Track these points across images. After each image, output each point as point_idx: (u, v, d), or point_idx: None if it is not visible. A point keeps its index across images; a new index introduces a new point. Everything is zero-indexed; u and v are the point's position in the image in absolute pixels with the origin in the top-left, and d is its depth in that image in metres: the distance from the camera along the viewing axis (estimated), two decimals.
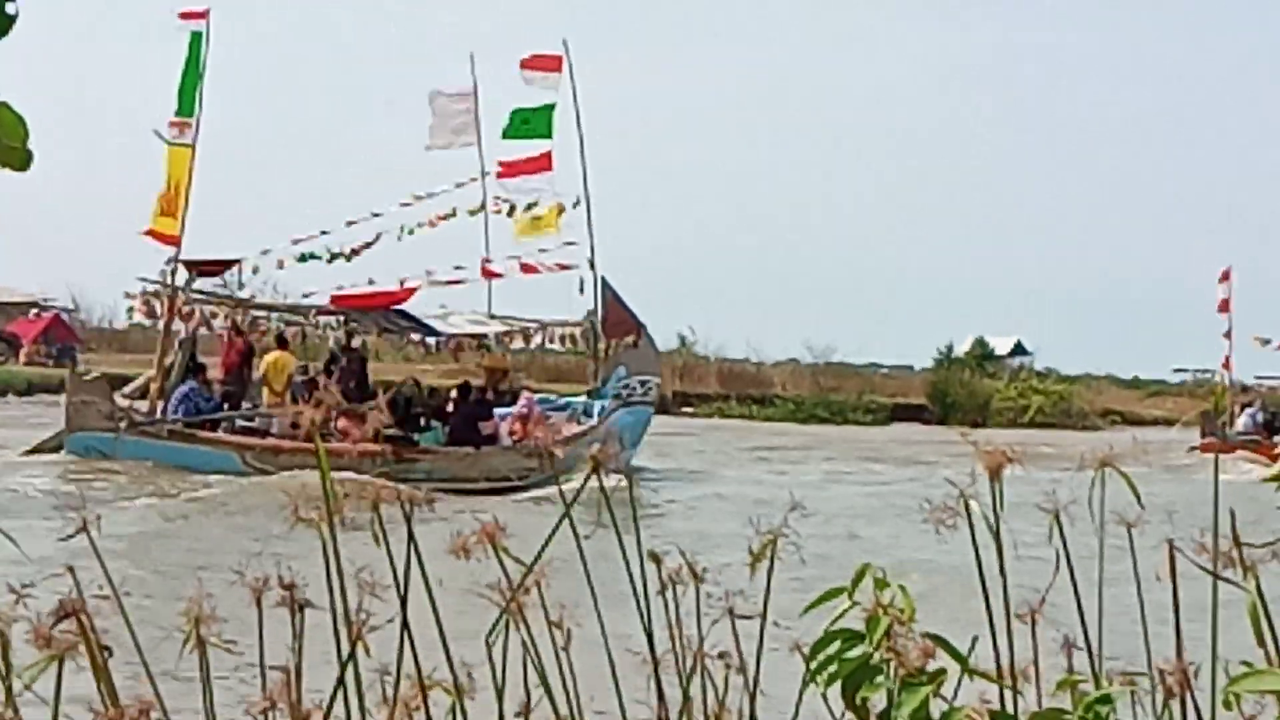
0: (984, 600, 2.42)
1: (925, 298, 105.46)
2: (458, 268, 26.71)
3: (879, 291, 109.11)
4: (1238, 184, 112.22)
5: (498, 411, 23.97)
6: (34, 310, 56.65)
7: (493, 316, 27.65)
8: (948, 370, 64.38)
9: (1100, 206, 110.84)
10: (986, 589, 2.40)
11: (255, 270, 26.91)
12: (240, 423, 24.42)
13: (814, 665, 2.42)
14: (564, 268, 26.83)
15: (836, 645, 2.41)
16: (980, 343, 74.14)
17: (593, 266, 26.75)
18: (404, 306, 26.11)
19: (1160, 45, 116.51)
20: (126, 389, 25.08)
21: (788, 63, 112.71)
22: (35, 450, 24.17)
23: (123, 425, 23.34)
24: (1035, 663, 2.53)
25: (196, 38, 24.75)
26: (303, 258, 26.83)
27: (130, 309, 25.62)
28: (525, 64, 26.91)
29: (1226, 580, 2.31)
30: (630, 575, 2.57)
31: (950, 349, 71.46)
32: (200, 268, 25.45)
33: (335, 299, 25.78)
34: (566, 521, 2.43)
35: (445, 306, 26.83)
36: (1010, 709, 2.39)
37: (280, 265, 26.68)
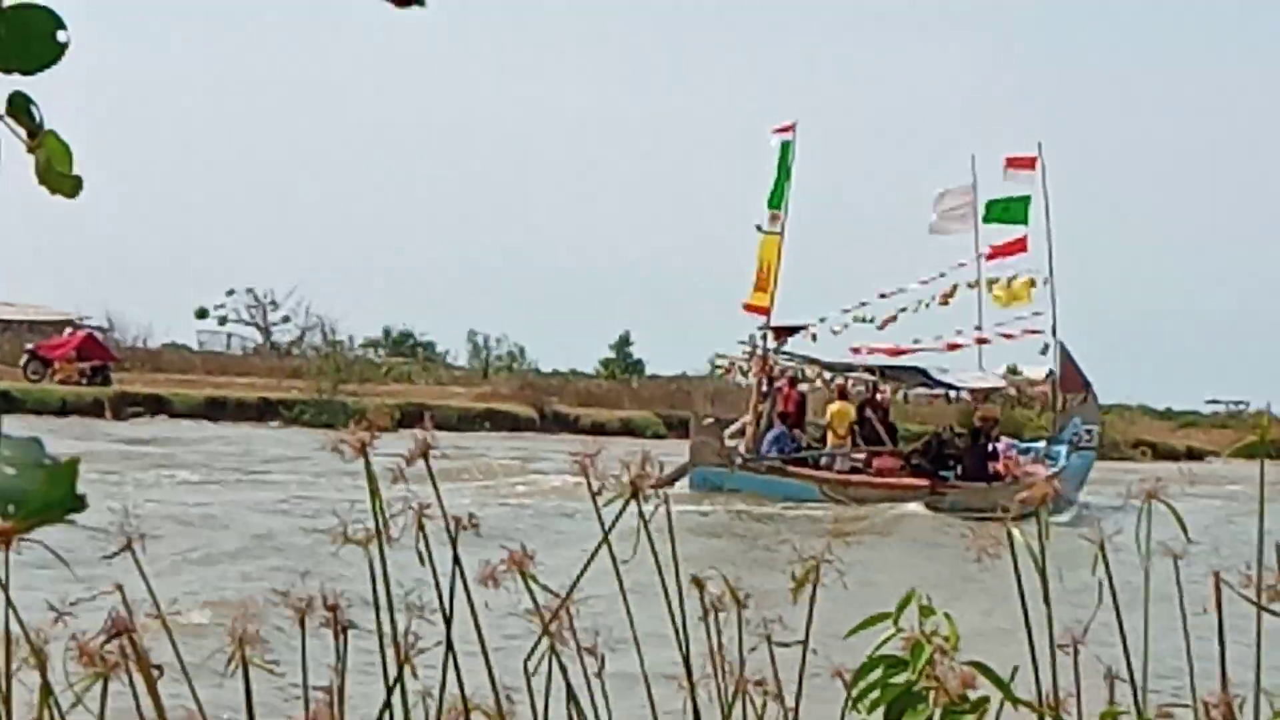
0: (1026, 629, 2.42)
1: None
2: (958, 332, 31.74)
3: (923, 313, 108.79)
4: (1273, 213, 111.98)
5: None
6: (68, 329, 56.97)
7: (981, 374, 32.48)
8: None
9: (1133, 235, 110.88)
10: (1029, 618, 2.40)
11: (814, 337, 31.14)
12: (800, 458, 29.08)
13: (856, 691, 2.42)
14: (1032, 333, 31.26)
15: (879, 672, 2.41)
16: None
17: (1054, 333, 30.92)
18: (917, 364, 31.30)
19: (1180, 72, 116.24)
20: (728, 431, 29.44)
21: None
22: (658, 484, 27.23)
23: (737, 462, 28.19)
24: (1078, 693, 2.51)
25: (785, 146, 30.24)
26: (846, 326, 31.64)
27: (718, 369, 32.92)
28: (1009, 163, 31.72)
29: (1272, 613, 2.30)
30: (668, 601, 2.57)
31: None
32: (780, 333, 30.50)
33: (875, 359, 30.72)
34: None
35: (944, 370, 31.72)
36: None
37: (836, 331, 31.34)
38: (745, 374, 30.86)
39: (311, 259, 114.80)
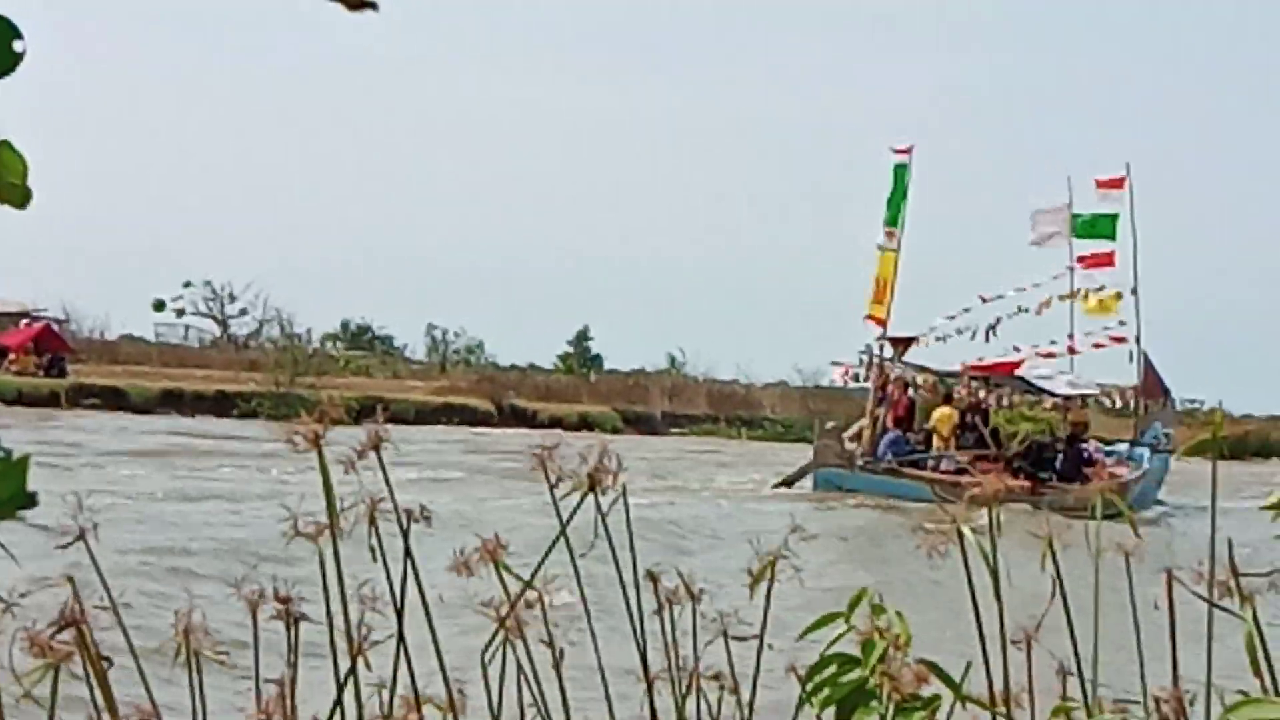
0: (977, 626, 2.43)
1: (916, 325, 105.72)
2: (1052, 342, 33.86)
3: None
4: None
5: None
6: (24, 320, 56.54)
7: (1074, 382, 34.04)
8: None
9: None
10: (980, 615, 2.41)
11: (925, 344, 33.20)
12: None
13: (809, 688, 2.43)
14: (1118, 342, 33.31)
15: (832, 669, 2.41)
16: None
17: (1138, 342, 33.01)
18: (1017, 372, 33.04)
19: (1194, 66, 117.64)
20: (847, 434, 31.77)
21: None
22: (784, 483, 31.31)
23: (858, 464, 30.56)
24: (1030, 689, 2.53)
25: (901, 168, 32.68)
26: (951, 335, 33.61)
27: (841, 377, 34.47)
28: (1099, 183, 33.81)
29: (1223, 609, 2.32)
30: (625, 596, 2.57)
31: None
32: (897, 343, 32.73)
33: (974, 367, 32.59)
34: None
35: (1045, 376, 33.30)
36: None
37: (941, 339, 33.30)
38: (860, 380, 33.44)
39: (270, 252, 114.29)
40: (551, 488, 2.50)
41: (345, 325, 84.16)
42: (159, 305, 79.33)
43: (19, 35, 1.45)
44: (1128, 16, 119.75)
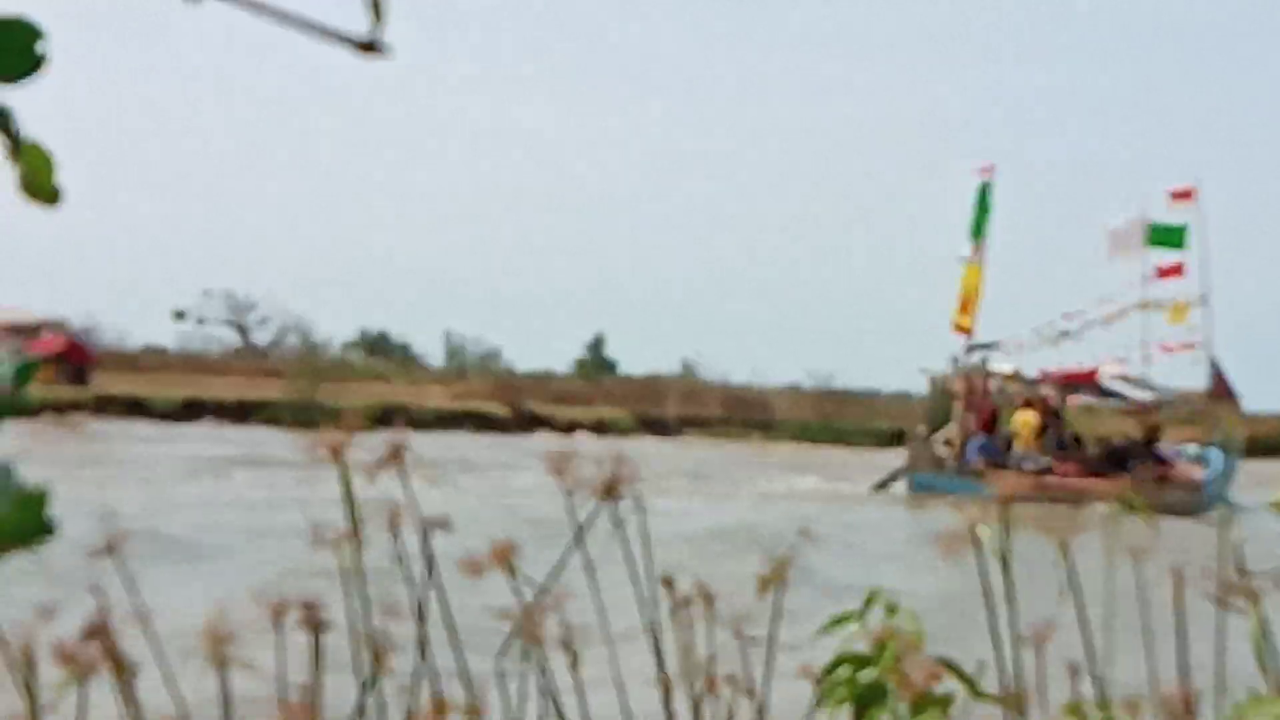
0: (991, 624, 2.45)
1: (923, 325, 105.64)
2: (1125, 349, 35.60)
3: (880, 319, 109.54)
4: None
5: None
6: (45, 331, 56.71)
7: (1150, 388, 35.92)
8: (946, 397, 64.24)
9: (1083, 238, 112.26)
10: (995, 613, 2.43)
11: (1005, 351, 35.22)
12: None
13: (823, 688, 2.46)
14: (1189, 348, 35.08)
15: (846, 669, 2.44)
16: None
17: (1208, 348, 34.94)
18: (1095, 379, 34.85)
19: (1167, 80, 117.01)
20: (937, 439, 33.77)
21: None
22: (880, 486, 33.11)
23: (949, 468, 32.60)
24: (1042, 687, 2.55)
25: (986, 185, 34.90)
26: (1029, 343, 35.61)
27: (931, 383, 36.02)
28: (1171, 195, 35.35)
29: (1231, 607, 2.34)
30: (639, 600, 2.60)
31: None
32: (979, 349, 34.92)
33: (1053, 373, 34.51)
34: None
35: (1124, 379, 34.98)
36: None
37: (1021, 348, 35.28)
38: (949, 386, 35.44)
39: (288, 261, 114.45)
40: (568, 494, 2.53)
41: (364, 333, 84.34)
42: (179, 315, 79.59)
43: (41, 37, 1.44)
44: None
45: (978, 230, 35.00)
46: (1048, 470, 32.21)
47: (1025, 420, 33.70)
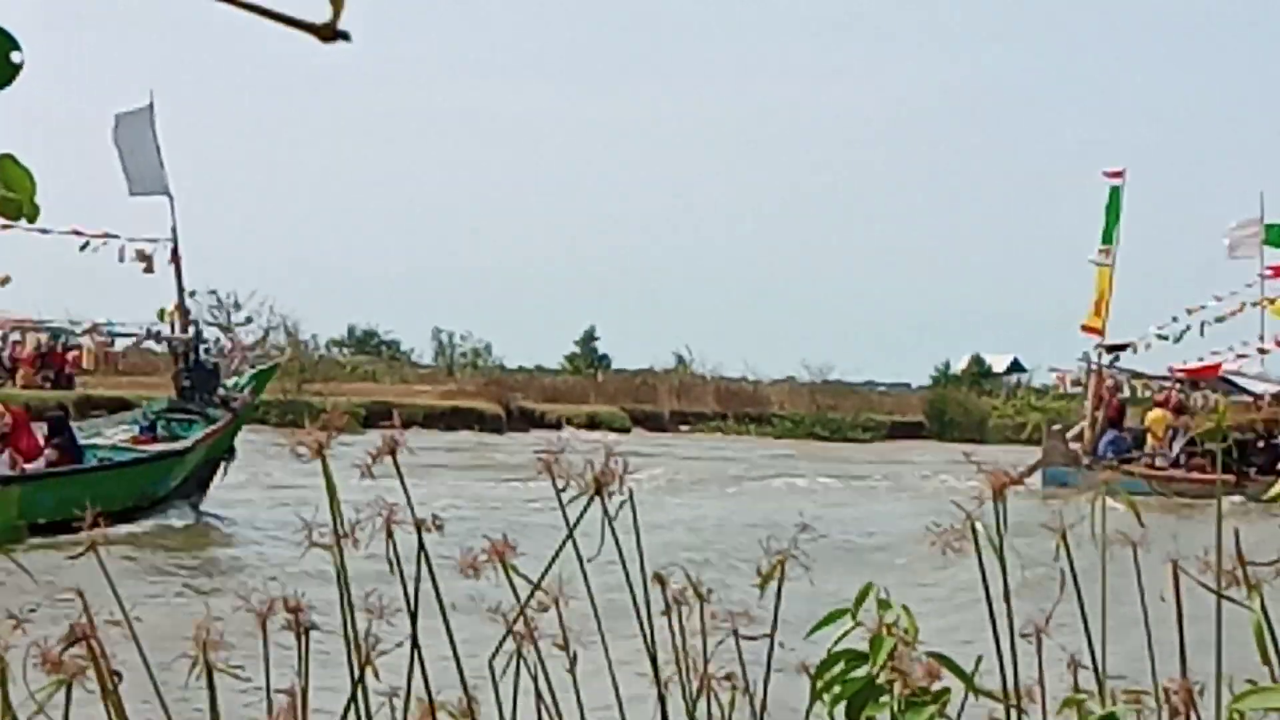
0: (989, 619, 2.43)
1: (922, 317, 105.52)
2: (1244, 343, 36.77)
3: (875, 311, 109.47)
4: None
5: None
6: (31, 333, 56.52)
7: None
8: (944, 388, 64.33)
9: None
10: (992, 608, 2.41)
11: (1135, 350, 36.48)
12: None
13: (819, 685, 2.43)
14: None
15: (841, 666, 2.41)
16: (977, 360, 74.18)
17: None
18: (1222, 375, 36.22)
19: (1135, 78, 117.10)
20: (1069, 434, 34.58)
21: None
22: (1015, 480, 34.54)
23: (1083, 463, 32.92)
24: (1040, 681, 2.53)
25: (1116, 190, 35.85)
26: (1154, 342, 36.90)
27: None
28: None
29: (1230, 599, 2.32)
30: (634, 598, 2.58)
31: (947, 367, 71.43)
32: (1112, 350, 35.79)
33: (1181, 371, 35.89)
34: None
35: (1244, 375, 36.40)
36: None
37: (1147, 346, 36.59)
38: (1079, 384, 37.01)
39: (275, 259, 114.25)
40: (559, 492, 2.50)
41: (351, 330, 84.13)
42: (163, 314, 79.39)
43: (17, 46, 1.44)
44: None
45: (1108, 234, 36.13)
46: (1177, 464, 33.32)
47: (1158, 417, 34.85)
